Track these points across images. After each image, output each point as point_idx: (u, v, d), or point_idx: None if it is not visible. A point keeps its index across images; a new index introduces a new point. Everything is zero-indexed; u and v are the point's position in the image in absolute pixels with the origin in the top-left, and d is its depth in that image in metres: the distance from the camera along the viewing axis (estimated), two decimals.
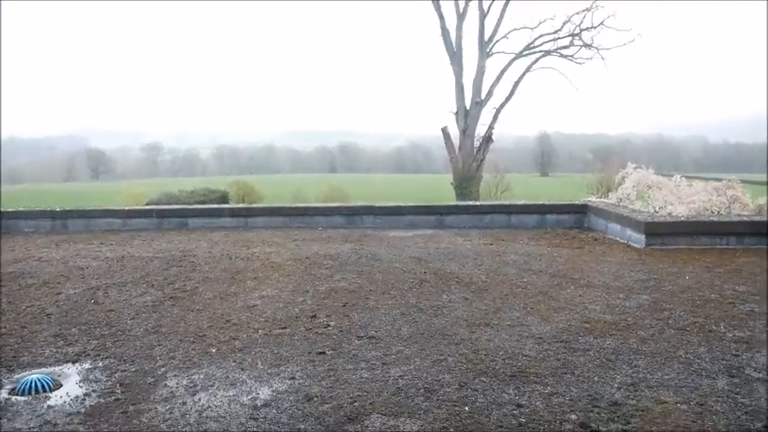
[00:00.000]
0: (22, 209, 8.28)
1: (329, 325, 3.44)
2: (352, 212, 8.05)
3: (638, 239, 6.09)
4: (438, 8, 22.41)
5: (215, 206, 10.06)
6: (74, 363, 2.91)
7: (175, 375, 2.72)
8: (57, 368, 2.84)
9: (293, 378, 2.67)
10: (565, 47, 23.22)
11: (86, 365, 2.86)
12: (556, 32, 22.98)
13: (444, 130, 22.96)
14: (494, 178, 34.36)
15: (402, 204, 8.27)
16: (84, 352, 3.05)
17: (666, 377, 2.63)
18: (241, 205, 11.18)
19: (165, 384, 2.62)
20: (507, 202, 8.71)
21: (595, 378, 2.62)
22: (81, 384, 2.65)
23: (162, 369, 2.80)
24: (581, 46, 23.01)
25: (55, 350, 3.09)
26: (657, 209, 7.06)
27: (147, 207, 10.38)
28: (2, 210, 8.12)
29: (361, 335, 3.26)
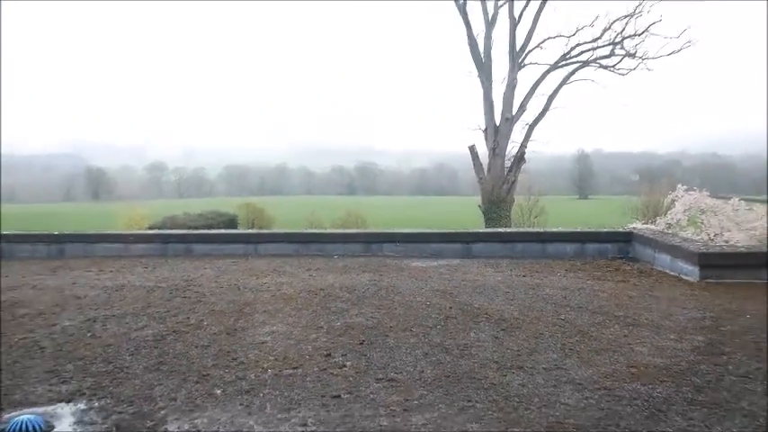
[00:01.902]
0: (16, 232, 8.50)
1: (345, 365, 3.43)
2: (370, 240, 8.10)
3: (690, 272, 5.98)
4: (465, 14, 22.59)
5: (222, 231, 10.22)
6: (68, 402, 2.94)
7: (176, 419, 2.73)
8: (49, 408, 2.87)
9: (305, 425, 2.66)
10: (605, 56, 23.22)
11: (81, 406, 2.89)
12: (595, 41, 23.00)
13: (472, 149, 23.02)
14: (527, 202, 34.24)
15: (425, 231, 8.29)
16: (79, 391, 3.09)
17: None
18: (250, 230, 11.32)
19: (165, 429, 2.63)
20: (542, 230, 8.66)
21: None
22: (75, 427, 2.68)
23: (162, 412, 2.81)
24: (623, 55, 22.98)
25: (48, 388, 3.13)
26: (712, 236, 6.94)
27: (150, 232, 10.59)
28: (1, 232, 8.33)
29: (380, 377, 3.24)
